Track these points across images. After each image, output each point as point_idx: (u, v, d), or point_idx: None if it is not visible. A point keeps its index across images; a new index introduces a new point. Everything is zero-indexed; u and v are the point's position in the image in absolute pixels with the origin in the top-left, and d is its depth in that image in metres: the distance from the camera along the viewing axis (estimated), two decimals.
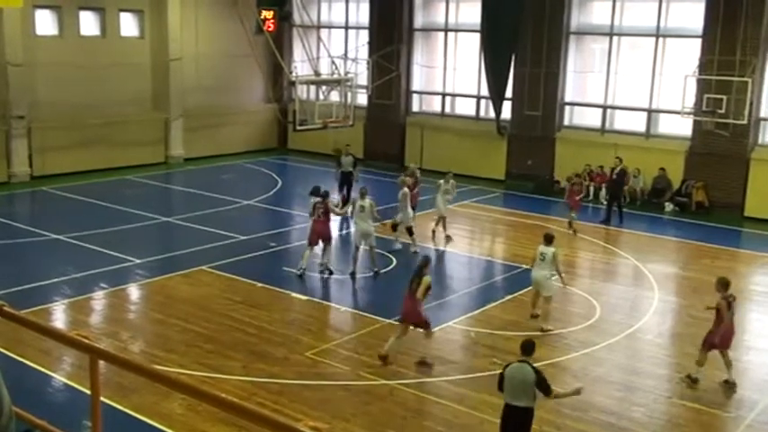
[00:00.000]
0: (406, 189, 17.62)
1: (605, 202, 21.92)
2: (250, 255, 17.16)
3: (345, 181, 21.83)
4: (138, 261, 16.46)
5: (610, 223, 20.80)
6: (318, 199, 15.79)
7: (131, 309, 14.60)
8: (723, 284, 11.34)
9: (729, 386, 11.40)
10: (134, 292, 15.17)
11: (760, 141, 22.24)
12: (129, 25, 26.76)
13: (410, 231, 17.50)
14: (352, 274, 15.67)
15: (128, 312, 14.33)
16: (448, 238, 18.45)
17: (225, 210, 21.24)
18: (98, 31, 26.02)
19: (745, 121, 21.40)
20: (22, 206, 22.60)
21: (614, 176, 21.36)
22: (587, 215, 21.60)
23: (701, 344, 11.45)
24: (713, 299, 14.82)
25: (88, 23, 25.79)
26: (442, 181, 18.94)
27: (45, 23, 24.88)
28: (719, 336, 11.24)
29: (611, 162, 21.63)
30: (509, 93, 25.28)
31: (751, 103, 21.34)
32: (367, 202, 15.78)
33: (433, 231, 18.69)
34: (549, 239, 13.31)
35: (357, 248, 15.77)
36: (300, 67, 27.27)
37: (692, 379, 11.43)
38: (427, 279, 11.58)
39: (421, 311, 11.66)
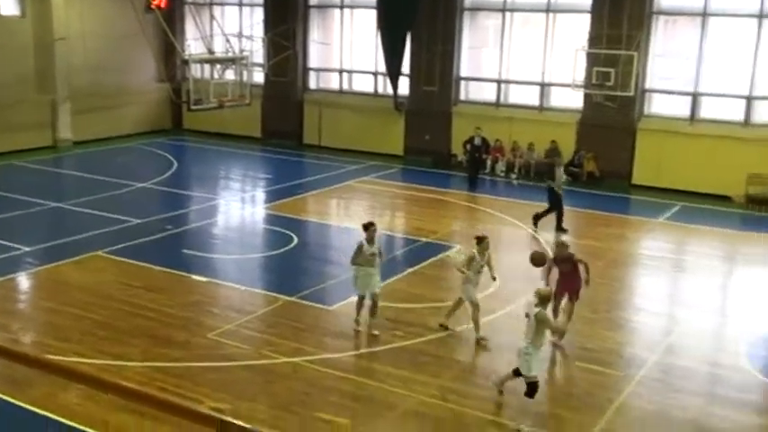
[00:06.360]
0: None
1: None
2: (147, 238, 16.71)
3: (557, 202, 18.13)
4: (27, 249, 15.78)
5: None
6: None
7: (21, 298, 14.02)
8: None
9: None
10: (24, 281, 14.54)
11: (646, 112, 23.12)
12: (7, 3, 25.43)
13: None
14: None
15: (17, 302, 13.74)
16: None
17: (118, 193, 20.58)
18: None
19: (631, 93, 22.22)
20: None
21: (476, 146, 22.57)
22: (485, 187, 22.15)
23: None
24: (608, 264, 15.58)
25: None
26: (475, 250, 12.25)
27: None
28: None
29: (505, 135, 22.01)
30: (406, 69, 25.42)
31: (637, 75, 22.17)
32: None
33: None
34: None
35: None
36: (194, 45, 26.61)
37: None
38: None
39: None
